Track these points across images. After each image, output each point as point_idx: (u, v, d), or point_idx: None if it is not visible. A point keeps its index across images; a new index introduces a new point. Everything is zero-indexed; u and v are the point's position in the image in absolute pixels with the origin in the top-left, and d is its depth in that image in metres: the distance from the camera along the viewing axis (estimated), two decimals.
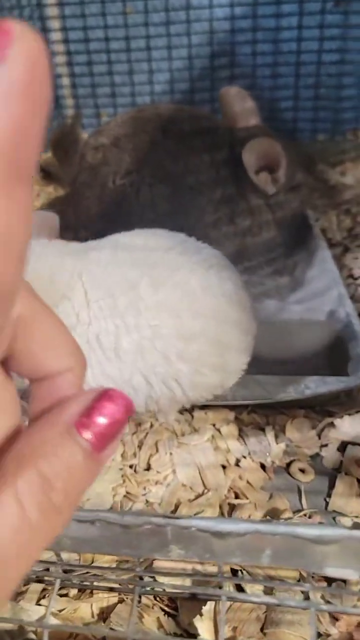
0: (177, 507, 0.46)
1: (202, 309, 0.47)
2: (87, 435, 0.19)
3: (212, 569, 0.40)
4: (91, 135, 0.81)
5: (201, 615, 0.34)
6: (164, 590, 0.34)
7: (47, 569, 0.40)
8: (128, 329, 0.45)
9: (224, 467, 0.51)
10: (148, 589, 0.35)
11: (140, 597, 0.36)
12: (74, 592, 0.39)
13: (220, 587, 0.32)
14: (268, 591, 0.38)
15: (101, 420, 0.19)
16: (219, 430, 0.54)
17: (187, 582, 0.38)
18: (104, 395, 0.20)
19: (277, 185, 0.72)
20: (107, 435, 0.19)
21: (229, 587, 0.36)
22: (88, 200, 0.76)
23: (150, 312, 0.45)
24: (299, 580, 0.39)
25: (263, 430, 0.54)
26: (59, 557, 0.36)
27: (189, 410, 0.56)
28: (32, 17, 1.14)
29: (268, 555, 0.26)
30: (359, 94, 1.15)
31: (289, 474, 0.51)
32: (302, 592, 0.38)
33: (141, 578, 0.32)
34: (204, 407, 0.56)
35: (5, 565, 0.17)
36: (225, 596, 0.28)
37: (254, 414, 0.57)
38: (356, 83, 1.14)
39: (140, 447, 0.53)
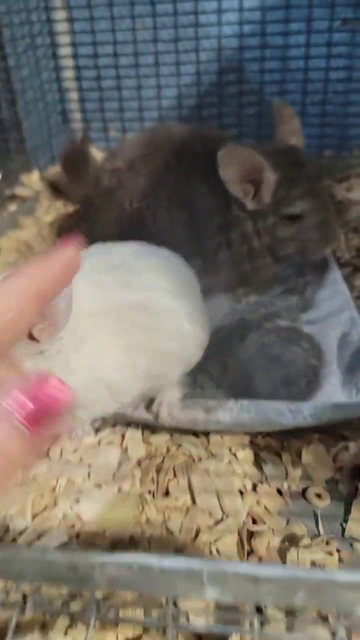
0: (197, 533, 0.47)
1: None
2: (21, 413, 0.22)
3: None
4: (106, 158, 0.82)
5: None
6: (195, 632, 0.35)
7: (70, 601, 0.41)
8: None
9: (241, 492, 0.52)
10: (180, 625, 0.36)
11: (164, 630, 0.37)
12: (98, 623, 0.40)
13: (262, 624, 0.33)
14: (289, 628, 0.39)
15: (37, 403, 0.23)
16: (235, 455, 0.55)
17: (210, 619, 0.39)
18: (44, 381, 0.24)
19: (260, 203, 0.69)
20: (40, 418, 0.23)
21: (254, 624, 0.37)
22: (104, 225, 0.77)
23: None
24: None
25: (279, 455, 0.55)
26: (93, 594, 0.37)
27: (205, 434, 0.57)
28: (42, 32, 1.15)
29: (302, 597, 0.27)
30: None
31: (305, 498, 0.51)
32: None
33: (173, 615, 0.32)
34: (220, 431, 0.57)
35: None
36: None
37: (269, 438, 0.57)
38: None
39: (157, 472, 0.53)
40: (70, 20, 1.15)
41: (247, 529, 0.48)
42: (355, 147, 1.21)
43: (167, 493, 0.52)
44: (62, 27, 1.17)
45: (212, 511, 0.49)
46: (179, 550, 0.45)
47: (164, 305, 0.51)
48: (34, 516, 0.49)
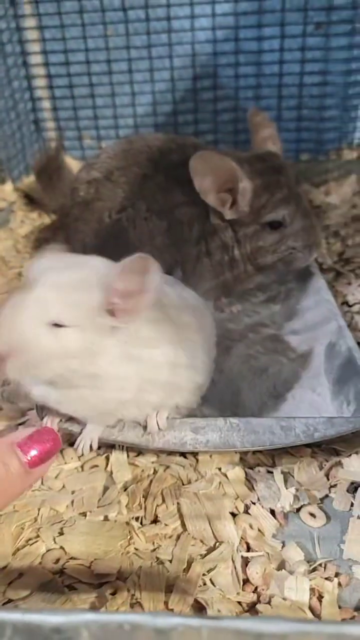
0: (189, 564, 0.44)
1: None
2: (24, 452, 0.33)
3: None
4: (82, 168, 0.80)
5: None
6: None
7: None
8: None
9: (233, 514, 0.49)
10: None
11: None
12: None
13: None
14: None
15: (35, 446, 0.34)
16: (225, 475, 0.53)
17: None
18: (42, 430, 0.35)
19: (238, 212, 0.67)
20: (38, 457, 0.34)
21: None
22: (83, 234, 0.74)
23: None
24: None
25: (270, 472, 0.53)
26: None
27: (193, 454, 0.55)
28: (11, 40, 1.12)
29: None
30: (341, 115, 1.16)
31: (300, 518, 0.49)
32: None
33: None
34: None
35: None
36: None
37: (259, 454, 0.55)
38: (338, 104, 1.15)
39: (145, 497, 0.51)
40: (40, 27, 1.13)
41: (242, 556, 0.45)
42: (332, 151, 1.21)
43: (155, 519, 0.49)
44: (32, 34, 1.14)
45: (204, 538, 0.47)
46: (170, 584, 0.42)
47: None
48: (14, 551, 0.46)
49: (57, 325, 0.41)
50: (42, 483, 0.53)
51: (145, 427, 0.51)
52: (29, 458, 0.33)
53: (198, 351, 0.52)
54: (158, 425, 0.51)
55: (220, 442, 0.50)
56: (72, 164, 1.20)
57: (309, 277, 0.77)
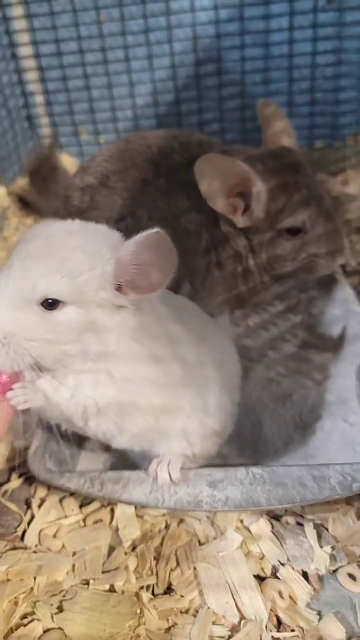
0: None
1: None
2: None
3: None
4: (76, 174, 0.72)
5: None
6: None
7: None
8: None
9: (259, 577, 0.42)
10: None
11: None
12: None
13: None
14: None
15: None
16: (248, 529, 0.46)
17: None
18: None
19: (252, 219, 0.59)
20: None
21: None
22: None
23: None
24: None
25: (301, 525, 0.46)
26: None
27: None
28: None
29: None
30: (358, 97, 1.07)
31: (338, 582, 0.42)
32: None
33: None
34: None
35: None
36: None
37: None
38: (354, 85, 1.06)
39: (157, 559, 0.44)
40: (29, 16, 1.04)
41: (272, 637, 0.38)
42: (349, 136, 1.12)
43: (169, 587, 0.42)
44: (19, 24, 1.06)
45: (227, 613, 0.40)
46: None
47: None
48: (7, 633, 0.40)
49: (49, 302, 0.35)
50: (39, 542, 0.47)
51: (155, 479, 0.44)
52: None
53: (213, 391, 0.45)
54: (170, 476, 0.44)
55: (242, 499, 0.42)
56: (69, 161, 1.13)
57: (333, 284, 0.69)
